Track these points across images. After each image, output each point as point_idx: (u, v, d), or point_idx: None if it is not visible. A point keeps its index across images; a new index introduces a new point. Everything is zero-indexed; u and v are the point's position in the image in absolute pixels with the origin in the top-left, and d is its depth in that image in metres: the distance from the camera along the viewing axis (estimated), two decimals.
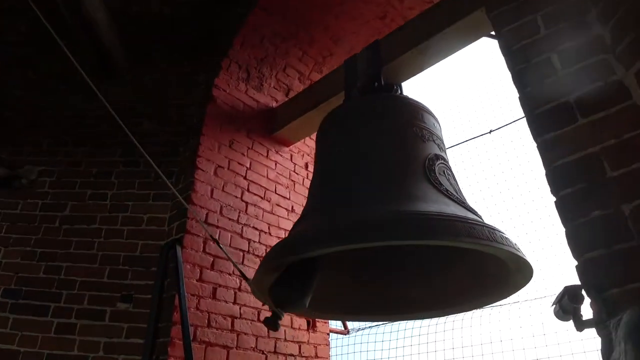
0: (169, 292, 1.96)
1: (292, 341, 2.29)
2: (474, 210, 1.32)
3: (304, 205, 1.66)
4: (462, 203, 1.32)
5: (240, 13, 2.60)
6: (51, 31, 1.72)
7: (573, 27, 1.23)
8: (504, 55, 1.39)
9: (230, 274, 2.16)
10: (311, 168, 2.78)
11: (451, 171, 1.49)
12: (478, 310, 3.17)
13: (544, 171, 1.19)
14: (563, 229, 1.09)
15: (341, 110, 1.74)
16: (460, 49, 2.01)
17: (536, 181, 3.29)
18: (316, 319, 2.45)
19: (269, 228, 2.47)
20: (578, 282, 1.04)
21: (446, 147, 1.66)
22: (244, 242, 2.30)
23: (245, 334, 2.09)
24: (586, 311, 1.01)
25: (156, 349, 1.84)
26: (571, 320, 1.02)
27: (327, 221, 1.29)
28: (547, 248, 3.13)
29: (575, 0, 1.28)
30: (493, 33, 2.08)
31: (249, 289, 1.98)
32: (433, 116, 1.65)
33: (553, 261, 3.04)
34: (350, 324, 4.13)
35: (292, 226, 1.52)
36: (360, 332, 4.02)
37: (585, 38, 1.19)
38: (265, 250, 2.33)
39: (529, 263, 1.19)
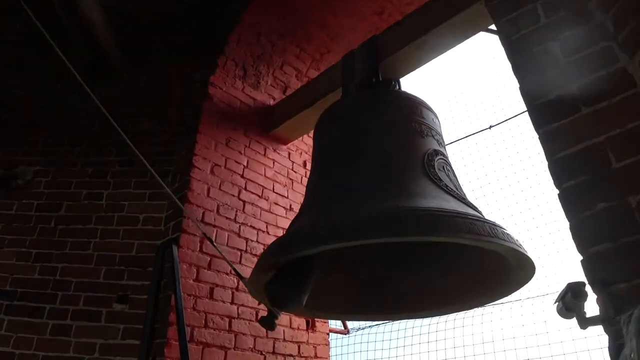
0: (165, 293, 1.93)
1: (291, 341, 2.26)
2: (474, 206, 1.30)
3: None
4: (462, 199, 1.30)
5: (236, 10, 2.58)
6: (42, 30, 1.69)
7: (574, 15, 1.20)
8: (503, 45, 1.36)
9: (227, 274, 2.13)
10: (309, 166, 2.75)
11: (451, 167, 1.47)
12: (479, 308, 3.14)
13: (546, 164, 1.16)
14: (567, 223, 1.07)
15: (338, 105, 1.71)
16: (458, 43, 1.99)
17: (537, 177, 3.27)
18: (315, 319, 2.42)
19: (266, 227, 2.44)
20: (581, 279, 1.02)
21: (446, 143, 1.63)
22: (241, 241, 2.27)
23: (243, 334, 2.06)
24: (589, 308, 0.98)
25: (152, 350, 1.82)
26: (574, 318, 1.00)
27: (325, 218, 1.26)
28: (549, 245, 3.10)
29: None
30: (491, 27, 2.06)
31: (246, 288, 1.95)
32: (432, 111, 1.62)
33: (555, 258, 3.02)
34: (350, 324, 4.10)
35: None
36: (360, 332, 4.00)
37: (587, 26, 1.16)
38: (263, 249, 2.30)
39: (531, 259, 1.16)
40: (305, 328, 2.38)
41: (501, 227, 1.14)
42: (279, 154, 2.72)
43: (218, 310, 2.02)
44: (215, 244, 1.79)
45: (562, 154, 1.11)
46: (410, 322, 3.54)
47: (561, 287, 1.04)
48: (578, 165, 1.08)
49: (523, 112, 3.37)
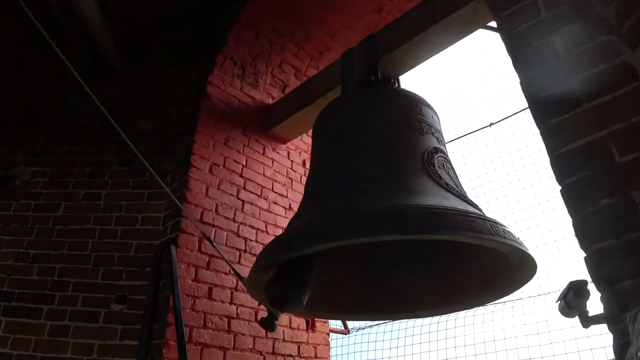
0: (163, 293, 1.92)
1: (290, 341, 2.24)
2: (475, 204, 1.28)
3: None
4: (463, 197, 1.28)
5: (235, 10, 2.56)
6: (41, 30, 1.68)
7: (574, 8, 1.18)
8: (503, 40, 1.34)
9: (226, 274, 2.11)
10: (309, 165, 2.74)
11: (451, 164, 1.45)
12: (480, 307, 3.12)
13: (547, 161, 1.14)
14: (569, 220, 1.05)
15: (337, 103, 1.70)
16: (457, 41, 1.98)
17: (538, 174, 3.25)
18: (315, 319, 2.40)
19: (266, 226, 2.43)
20: (583, 277, 1.00)
21: (445, 140, 1.62)
22: (240, 241, 2.26)
23: (243, 334, 2.05)
24: (592, 307, 0.97)
25: (151, 350, 1.81)
26: (577, 317, 0.98)
27: (324, 216, 1.25)
28: (551, 243, 3.08)
29: None
30: (490, 25, 2.05)
31: (245, 289, 1.94)
32: (431, 109, 1.61)
33: (557, 256, 3.00)
34: (351, 324, 4.09)
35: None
36: (360, 332, 3.98)
37: (588, 20, 1.14)
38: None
39: (532, 257, 1.15)
40: (305, 328, 2.36)
41: (502, 225, 1.13)
42: (278, 153, 2.71)
43: (217, 311, 2.00)
44: (214, 243, 1.78)
45: (564, 149, 1.09)
46: (410, 322, 3.52)
47: (563, 285, 1.03)
48: (580, 160, 1.06)
49: (523, 109, 3.35)
